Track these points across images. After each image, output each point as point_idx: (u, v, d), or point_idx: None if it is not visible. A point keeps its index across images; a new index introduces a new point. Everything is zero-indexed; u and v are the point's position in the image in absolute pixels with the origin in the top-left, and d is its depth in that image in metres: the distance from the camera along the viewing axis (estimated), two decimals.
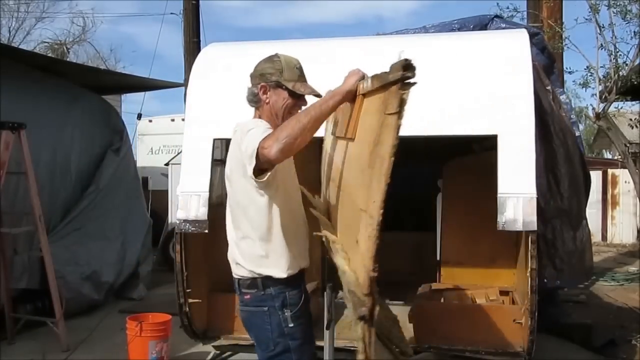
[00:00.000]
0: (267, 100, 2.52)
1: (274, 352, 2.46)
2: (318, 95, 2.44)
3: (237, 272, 2.53)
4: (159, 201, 10.53)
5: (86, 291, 6.66)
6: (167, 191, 10.10)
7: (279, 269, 2.43)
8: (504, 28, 5.79)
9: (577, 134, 6.24)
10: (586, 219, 6.23)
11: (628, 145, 9.24)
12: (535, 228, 3.66)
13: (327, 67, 4.65)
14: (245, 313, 2.55)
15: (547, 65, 5.92)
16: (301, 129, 2.15)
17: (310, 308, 2.60)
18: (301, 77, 2.53)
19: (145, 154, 12.26)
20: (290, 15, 56.90)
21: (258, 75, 2.54)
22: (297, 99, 2.50)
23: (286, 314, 2.42)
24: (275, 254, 2.43)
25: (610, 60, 6.83)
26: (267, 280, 2.44)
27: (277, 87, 2.50)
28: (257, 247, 2.44)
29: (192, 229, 4.13)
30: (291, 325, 2.42)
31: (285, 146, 2.15)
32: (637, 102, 9.27)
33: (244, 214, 2.45)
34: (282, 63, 2.50)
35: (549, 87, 5.56)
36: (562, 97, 6.15)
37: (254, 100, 2.56)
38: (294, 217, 2.50)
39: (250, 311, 2.50)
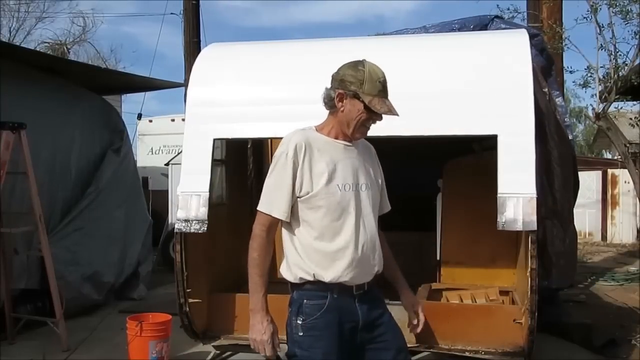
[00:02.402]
0: (342, 109, 2.45)
1: (288, 353, 2.48)
2: (395, 114, 2.43)
3: None
4: (159, 201, 10.54)
5: (86, 291, 6.65)
6: (167, 191, 10.11)
7: (290, 274, 2.46)
8: (504, 28, 5.80)
9: (570, 137, 6.26)
10: (574, 221, 6.26)
11: (628, 145, 9.23)
12: (535, 228, 3.66)
13: (328, 66, 4.68)
14: None
15: (546, 67, 5.92)
16: (252, 264, 2.42)
17: (349, 335, 2.46)
18: (382, 92, 2.43)
19: (146, 154, 12.27)
20: (291, 15, 56.93)
21: (339, 80, 2.45)
22: (373, 113, 2.43)
23: (298, 321, 2.39)
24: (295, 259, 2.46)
25: (610, 61, 6.83)
26: (290, 283, 2.49)
27: (354, 97, 2.42)
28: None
29: (192, 229, 4.13)
30: (300, 334, 2.38)
31: (252, 249, 2.42)
32: (637, 102, 9.26)
33: None
34: (365, 74, 2.40)
35: (545, 89, 5.57)
36: (558, 100, 6.16)
37: (329, 104, 2.48)
38: (332, 227, 2.41)
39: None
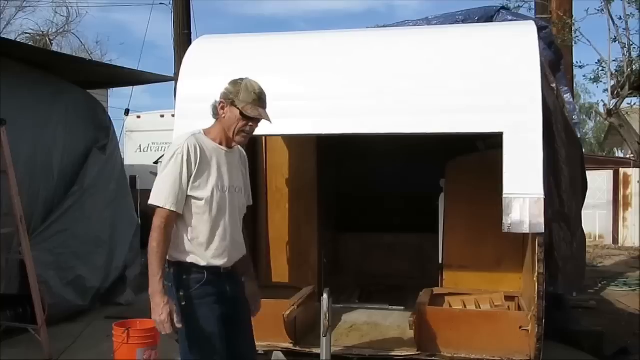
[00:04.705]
0: (224, 116, 3.05)
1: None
2: (267, 120, 3.03)
3: None
4: (147, 201, 10.53)
5: (70, 296, 6.64)
6: None
7: (176, 253, 2.99)
8: (510, 20, 5.80)
9: (578, 135, 6.26)
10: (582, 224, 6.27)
11: None
12: (543, 230, 3.68)
13: (325, 60, 4.69)
14: None
15: (554, 61, 5.92)
16: (151, 253, 2.90)
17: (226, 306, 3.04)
18: (256, 101, 3.00)
19: (133, 151, 12.26)
20: (294, 2, 56.50)
21: (222, 93, 3.07)
22: (248, 119, 3.01)
23: (180, 293, 2.96)
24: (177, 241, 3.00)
25: (624, 54, 6.85)
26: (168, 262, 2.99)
27: (232, 105, 3.02)
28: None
29: None
30: (183, 304, 2.94)
31: (151, 239, 2.89)
32: None
33: None
34: (242, 86, 3.02)
35: (553, 85, 5.57)
36: (567, 96, 6.16)
37: (214, 112, 3.10)
38: (210, 219, 3.01)
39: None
